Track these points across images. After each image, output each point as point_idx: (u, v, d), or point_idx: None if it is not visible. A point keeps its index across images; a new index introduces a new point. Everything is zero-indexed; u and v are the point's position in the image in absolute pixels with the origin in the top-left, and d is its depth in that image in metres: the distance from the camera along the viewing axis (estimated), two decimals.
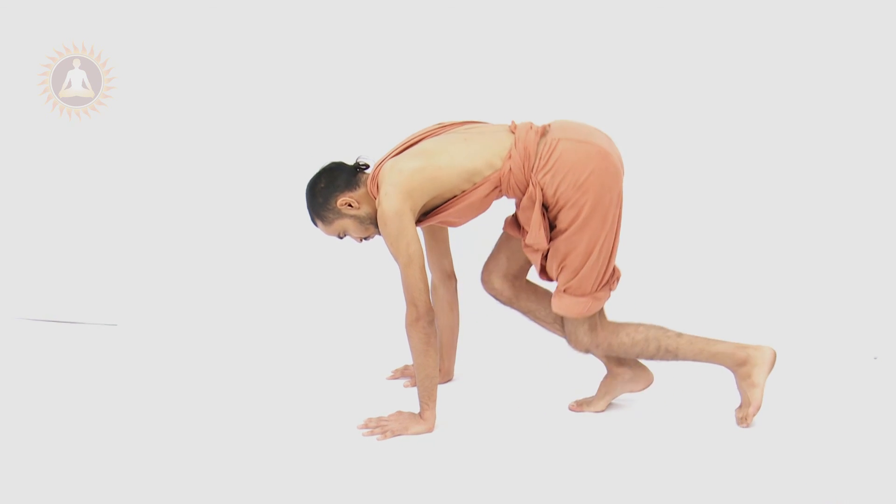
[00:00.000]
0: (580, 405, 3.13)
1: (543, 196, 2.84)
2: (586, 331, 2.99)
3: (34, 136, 4.40)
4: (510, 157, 2.86)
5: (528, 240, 2.90)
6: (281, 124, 4.37)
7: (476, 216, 3.01)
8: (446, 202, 2.92)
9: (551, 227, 2.90)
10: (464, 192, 2.89)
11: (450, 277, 3.30)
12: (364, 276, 4.21)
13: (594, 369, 3.33)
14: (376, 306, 4.14)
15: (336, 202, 2.97)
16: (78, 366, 3.67)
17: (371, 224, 2.99)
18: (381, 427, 2.90)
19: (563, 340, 3.10)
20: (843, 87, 4.01)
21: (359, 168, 3.06)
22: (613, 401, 3.18)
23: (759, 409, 2.93)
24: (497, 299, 3.17)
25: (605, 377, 3.14)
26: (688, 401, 3.20)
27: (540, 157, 2.84)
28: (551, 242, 2.90)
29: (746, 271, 4.10)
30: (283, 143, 4.37)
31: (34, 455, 2.75)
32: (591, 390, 3.22)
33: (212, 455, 2.75)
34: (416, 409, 2.96)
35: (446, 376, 3.38)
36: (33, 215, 4.45)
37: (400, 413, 2.95)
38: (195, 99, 4.37)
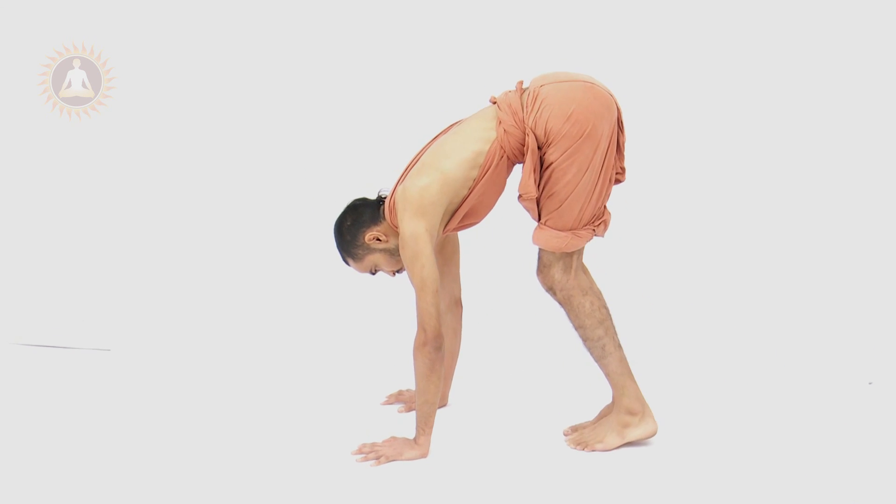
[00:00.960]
0: (575, 430, 3.13)
1: (536, 138, 2.85)
2: (561, 269, 2.96)
3: (34, 136, 4.39)
4: (500, 122, 2.89)
5: (520, 188, 2.90)
6: (283, 126, 4.36)
7: (497, 197, 3.01)
8: (465, 198, 2.93)
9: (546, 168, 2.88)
10: (475, 179, 2.91)
11: (457, 304, 3.32)
12: (358, 303, 4.19)
13: (592, 397, 3.34)
14: (371, 331, 4.13)
15: (364, 238, 3.03)
16: (71, 391, 3.63)
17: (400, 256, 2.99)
18: (375, 452, 2.91)
19: (571, 366, 3.05)
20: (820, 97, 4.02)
21: (381, 201, 3.08)
22: None
23: (602, 450, 2.97)
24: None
25: (609, 406, 3.13)
26: (686, 430, 3.20)
27: (526, 107, 2.87)
28: (543, 174, 2.88)
29: (742, 294, 4.11)
30: (285, 148, 4.36)
31: (28, 482, 2.74)
32: (586, 418, 3.22)
33: (206, 480, 2.75)
34: (410, 435, 2.97)
35: (441, 401, 3.37)
36: (27, 229, 4.40)
37: (394, 439, 2.96)
38: (196, 99, 4.37)
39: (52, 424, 3.24)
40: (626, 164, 3.01)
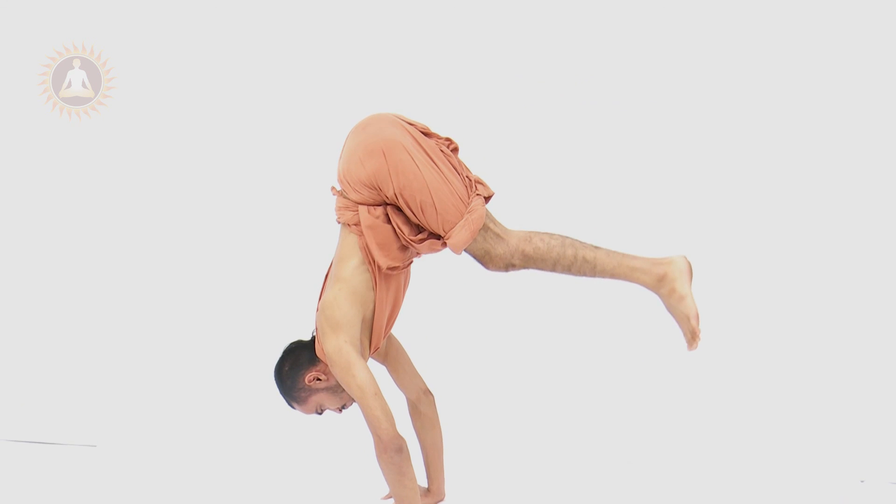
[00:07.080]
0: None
1: (368, 197, 2.88)
2: (496, 245, 2.90)
3: (34, 136, 4.38)
4: (347, 223, 2.93)
5: (395, 261, 2.92)
6: (284, 127, 4.36)
7: (406, 287, 3.04)
8: (375, 300, 2.95)
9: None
10: (373, 279, 2.93)
11: (426, 394, 3.26)
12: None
13: (596, 474, 3.45)
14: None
15: (305, 380, 3.00)
16: (56, 489, 3.52)
17: (343, 391, 3.00)
18: None
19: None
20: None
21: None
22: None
23: (698, 316, 2.84)
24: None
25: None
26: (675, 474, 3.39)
27: (348, 195, 2.92)
28: (400, 209, 2.90)
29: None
30: (288, 150, 4.35)
31: None
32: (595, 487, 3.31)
33: None
34: None
35: (437, 497, 3.35)
36: (26, 230, 4.36)
37: None
38: (196, 100, 4.36)
39: None
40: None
